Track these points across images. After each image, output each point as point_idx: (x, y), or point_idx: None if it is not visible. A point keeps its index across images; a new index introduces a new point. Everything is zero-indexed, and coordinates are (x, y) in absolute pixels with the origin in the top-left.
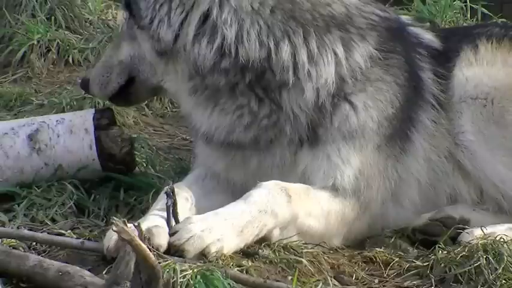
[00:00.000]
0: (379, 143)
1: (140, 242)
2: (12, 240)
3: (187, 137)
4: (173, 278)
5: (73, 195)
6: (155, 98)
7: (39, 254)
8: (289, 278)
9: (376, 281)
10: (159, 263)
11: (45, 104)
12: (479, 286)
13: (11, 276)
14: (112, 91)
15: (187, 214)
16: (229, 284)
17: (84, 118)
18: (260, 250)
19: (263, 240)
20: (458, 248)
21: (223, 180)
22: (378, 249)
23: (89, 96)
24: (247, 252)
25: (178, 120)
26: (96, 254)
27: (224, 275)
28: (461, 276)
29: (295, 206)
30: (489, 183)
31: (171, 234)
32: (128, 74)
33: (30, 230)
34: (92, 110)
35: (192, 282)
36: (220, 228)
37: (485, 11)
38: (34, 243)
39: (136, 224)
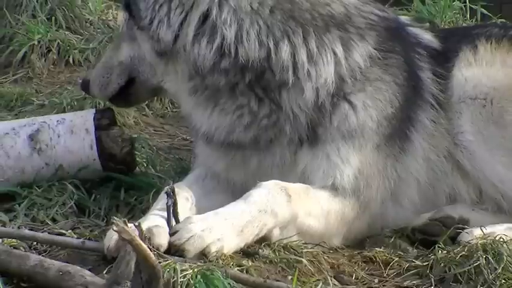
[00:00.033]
0: (379, 143)
1: (141, 242)
2: (13, 240)
3: (187, 137)
4: (173, 277)
5: (74, 195)
6: (155, 98)
7: (39, 254)
8: (289, 277)
9: (376, 280)
10: (160, 262)
11: (45, 104)
12: (478, 286)
13: (12, 276)
14: (112, 92)
15: (187, 214)
16: (229, 283)
17: (85, 118)
18: (260, 250)
19: (263, 240)
20: (457, 247)
21: (223, 180)
22: (377, 249)
23: (90, 96)
24: (247, 252)
25: (179, 121)
26: (97, 253)
27: (224, 274)
28: (460, 275)
29: (295, 206)
30: (488, 183)
31: (171, 234)
32: (128, 75)
33: (31, 229)
34: (93, 110)
35: (192, 281)
36: (221, 228)
37: (485, 11)
38: (35, 243)
39: (136, 223)
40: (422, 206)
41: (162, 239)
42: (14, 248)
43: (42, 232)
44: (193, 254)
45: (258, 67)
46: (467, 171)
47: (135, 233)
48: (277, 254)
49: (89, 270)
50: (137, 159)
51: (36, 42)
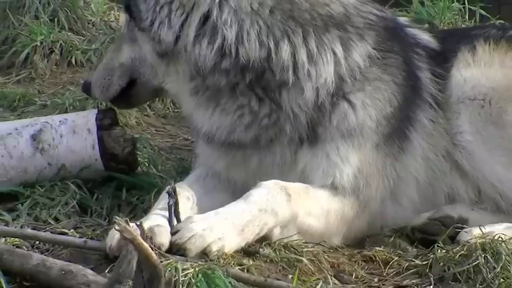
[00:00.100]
0: (378, 142)
1: (142, 241)
2: (16, 239)
3: (188, 137)
4: (175, 276)
5: (76, 194)
6: (157, 99)
7: (42, 253)
8: (290, 276)
9: (376, 279)
10: (161, 261)
11: (48, 104)
12: (477, 285)
13: (15, 275)
14: (113, 94)
15: (188, 213)
16: (230, 282)
17: (87, 118)
18: (261, 249)
19: (264, 239)
20: (457, 247)
21: (224, 179)
22: (377, 248)
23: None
24: (248, 251)
25: (180, 121)
26: (99, 253)
27: (225, 273)
28: (459, 275)
29: (295, 205)
30: (487, 183)
31: (172, 233)
32: (129, 76)
33: (34, 229)
34: (95, 111)
35: (193, 280)
36: (222, 227)
37: (483, 12)
38: (37, 242)
39: (138, 223)
40: (422, 205)
41: (164, 238)
42: (17, 247)
43: (44, 231)
44: (195, 253)
45: (259, 67)
46: (466, 171)
47: (137, 232)
48: (277, 253)
49: (91, 269)
50: (139, 159)
51: (38, 43)
